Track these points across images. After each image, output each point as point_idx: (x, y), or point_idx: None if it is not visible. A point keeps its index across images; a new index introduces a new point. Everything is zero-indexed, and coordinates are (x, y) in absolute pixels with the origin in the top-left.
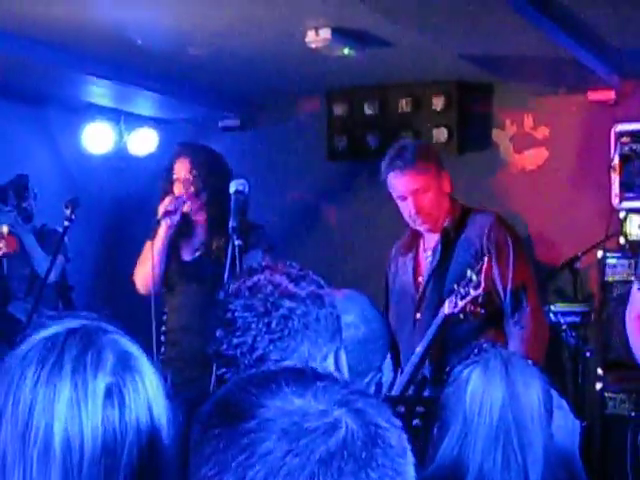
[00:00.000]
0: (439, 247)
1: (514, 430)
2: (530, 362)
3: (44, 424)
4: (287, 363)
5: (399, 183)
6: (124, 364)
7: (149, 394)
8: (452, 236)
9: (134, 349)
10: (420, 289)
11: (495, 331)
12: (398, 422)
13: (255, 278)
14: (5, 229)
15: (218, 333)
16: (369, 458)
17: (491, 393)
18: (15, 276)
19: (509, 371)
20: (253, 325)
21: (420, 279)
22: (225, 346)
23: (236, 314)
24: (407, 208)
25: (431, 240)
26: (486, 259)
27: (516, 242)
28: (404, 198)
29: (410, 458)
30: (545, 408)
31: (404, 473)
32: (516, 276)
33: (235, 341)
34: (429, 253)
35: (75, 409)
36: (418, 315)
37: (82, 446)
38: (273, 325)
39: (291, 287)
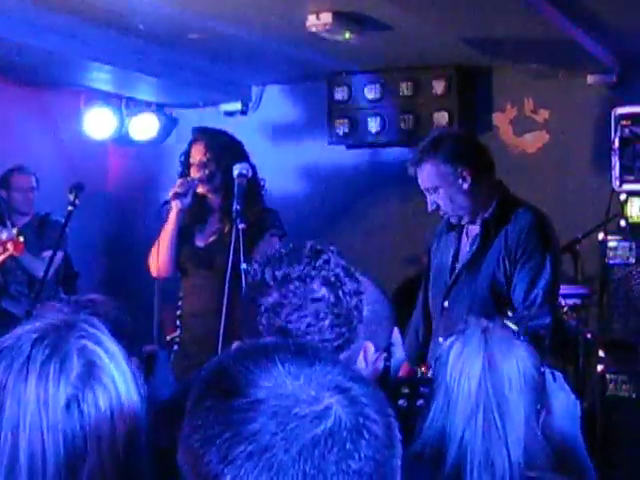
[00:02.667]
0: (478, 239)
1: (493, 399)
2: (513, 334)
3: (10, 431)
4: (344, 354)
5: (419, 179)
6: (88, 374)
7: (113, 403)
8: (492, 230)
9: (103, 355)
10: (453, 276)
11: None
12: (390, 411)
13: (317, 262)
14: (15, 231)
15: (284, 314)
16: (352, 449)
17: (470, 363)
18: (12, 280)
19: (487, 341)
20: (323, 315)
21: (457, 266)
22: (291, 326)
23: (304, 301)
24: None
25: (473, 230)
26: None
27: (549, 246)
28: (425, 193)
29: (397, 449)
30: (527, 379)
31: (387, 464)
32: (542, 284)
33: (303, 328)
34: (469, 241)
35: (37, 418)
36: (446, 303)
37: (44, 455)
38: (341, 318)
39: (350, 279)
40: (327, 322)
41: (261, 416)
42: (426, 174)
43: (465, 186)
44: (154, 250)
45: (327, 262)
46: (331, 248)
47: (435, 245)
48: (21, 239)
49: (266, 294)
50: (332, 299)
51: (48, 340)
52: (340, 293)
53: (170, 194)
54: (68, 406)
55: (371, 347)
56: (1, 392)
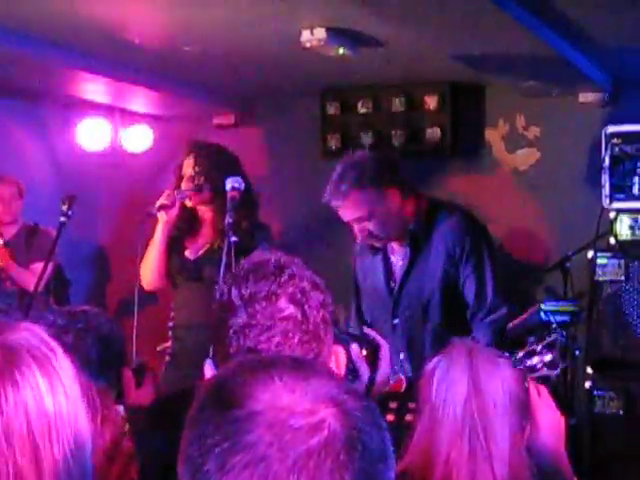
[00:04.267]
0: (408, 252)
1: (478, 420)
2: (497, 354)
3: None
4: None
5: (341, 214)
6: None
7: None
8: (421, 239)
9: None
10: (394, 295)
11: (463, 325)
12: (384, 425)
13: (281, 279)
14: (0, 241)
15: (253, 335)
16: (346, 460)
17: (455, 384)
18: (2, 291)
19: (472, 362)
20: (291, 334)
21: (392, 284)
22: (261, 347)
23: (271, 321)
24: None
25: (399, 245)
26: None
27: (488, 243)
28: (349, 223)
29: (391, 462)
30: (512, 398)
31: (380, 477)
32: (485, 275)
33: (273, 348)
34: (398, 257)
35: None
36: (396, 321)
37: None
38: (309, 333)
39: (313, 292)
40: (296, 339)
41: (258, 427)
42: (354, 204)
43: (395, 206)
44: (143, 264)
45: (292, 277)
46: (295, 260)
47: (360, 265)
48: (6, 249)
49: (234, 315)
50: (299, 316)
51: None
52: (307, 308)
53: (156, 206)
54: None
55: (342, 351)
56: None
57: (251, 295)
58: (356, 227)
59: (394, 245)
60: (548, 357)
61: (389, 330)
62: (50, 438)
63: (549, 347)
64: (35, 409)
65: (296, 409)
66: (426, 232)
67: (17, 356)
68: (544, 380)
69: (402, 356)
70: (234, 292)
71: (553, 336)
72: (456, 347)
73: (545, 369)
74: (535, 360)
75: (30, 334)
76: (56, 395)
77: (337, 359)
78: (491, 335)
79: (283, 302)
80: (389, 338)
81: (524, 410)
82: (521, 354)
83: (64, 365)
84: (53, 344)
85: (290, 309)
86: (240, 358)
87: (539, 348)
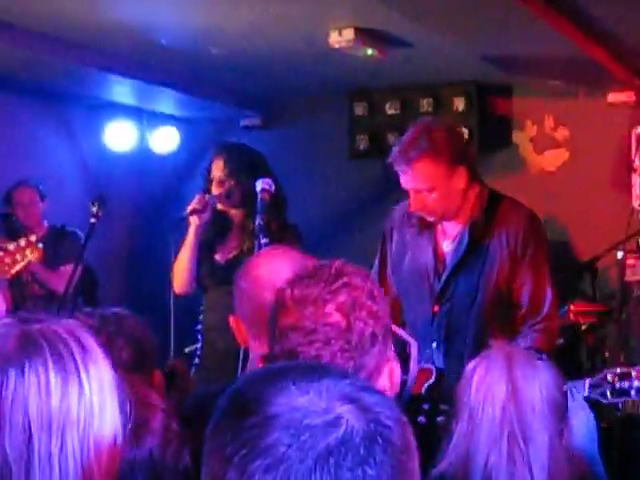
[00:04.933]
0: (466, 238)
1: (517, 424)
2: (536, 357)
3: None
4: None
5: (402, 179)
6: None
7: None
8: (480, 228)
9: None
10: (442, 280)
11: (507, 326)
12: (404, 419)
13: (334, 286)
14: (33, 238)
15: (293, 338)
16: (367, 455)
17: (494, 388)
18: (28, 295)
19: (511, 366)
20: (333, 341)
21: (442, 269)
22: (301, 354)
23: (316, 325)
24: (412, 202)
25: (452, 228)
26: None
27: (547, 246)
28: (409, 193)
29: (414, 455)
30: (550, 403)
31: (405, 470)
32: (545, 282)
33: (313, 353)
34: (450, 241)
35: None
36: (436, 308)
37: None
38: (353, 342)
39: (369, 301)
40: (337, 347)
41: (274, 430)
42: (419, 173)
43: (461, 185)
44: (175, 268)
45: (346, 285)
46: (358, 270)
47: (397, 236)
48: (40, 245)
49: (283, 315)
50: (343, 325)
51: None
52: (352, 319)
53: (188, 210)
54: None
55: (397, 368)
56: None
57: (302, 297)
58: (413, 196)
59: (447, 227)
60: None
61: (426, 317)
62: (49, 432)
63: None
64: (36, 402)
65: (311, 408)
66: (486, 222)
67: (33, 347)
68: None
69: (434, 345)
70: (287, 292)
71: None
72: (495, 350)
73: (637, 395)
74: (630, 383)
75: (64, 330)
76: (67, 394)
77: (391, 375)
78: (537, 345)
79: (330, 308)
80: (425, 326)
81: (562, 415)
82: (611, 375)
83: (93, 366)
84: (89, 344)
85: (335, 316)
86: (259, 368)
87: (634, 373)
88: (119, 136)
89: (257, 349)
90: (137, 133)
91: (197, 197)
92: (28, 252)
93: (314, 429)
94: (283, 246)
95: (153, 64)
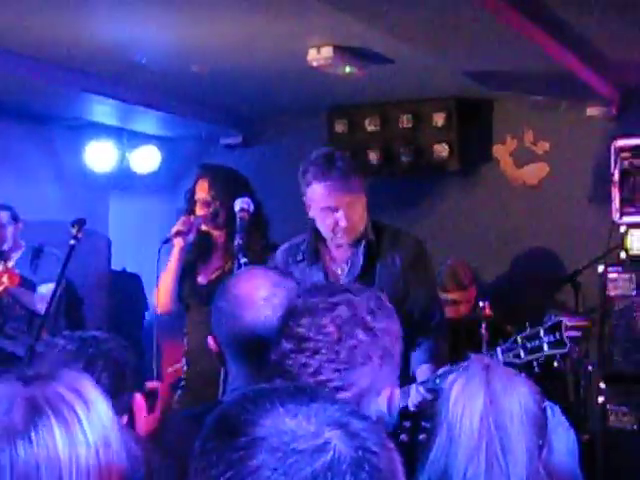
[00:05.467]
0: (360, 260)
1: (495, 436)
2: (515, 373)
3: None
4: (344, 394)
5: (331, 194)
6: (25, 426)
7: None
8: (374, 249)
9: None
10: None
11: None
12: (391, 445)
13: (335, 299)
14: (10, 263)
15: (285, 345)
16: None
17: (472, 400)
18: (9, 317)
19: (489, 378)
20: (323, 350)
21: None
22: (290, 362)
23: (309, 333)
24: (333, 220)
25: (342, 252)
26: (564, 321)
27: (431, 263)
28: (334, 210)
29: None
30: (528, 416)
31: None
32: (434, 299)
33: (302, 360)
34: (342, 266)
35: None
36: None
37: None
38: (342, 355)
39: (368, 318)
40: (324, 358)
41: (261, 453)
42: (355, 187)
43: (364, 206)
44: (158, 287)
45: (347, 301)
46: (367, 289)
47: None
48: (16, 270)
49: (291, 321)
50: (335, 337)
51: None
52: (345, 333)
53: (172, 232)
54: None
55: (397, 392)
56: None
57: (304, 307)
58: (342, 213)
59: (335, 255)
60: (553, 337)
61: None
62: None
63: (553, 329)
64: (46, 464)
65: (299, 432)
66: (379, 246)
67: (39, 415)
68: (551, 358)
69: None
70: (294, 300)
71: (555, 319)
72: (473, 363)
73: (551, 349)
74: (540, 341)
75: (66, 387)
76: (75, 448)
77: (390, 400)
78: (431, 354)
79: (326, 320)
80: None
81: (541, 429)
82: (521, 337)
83: (96, 416)
84: (90, 395)
85: (330, 328)
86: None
87: (542, 331)
88: (100, 156)
89: (235, 370)
90: (118, 152)
91: (182, 219)
92: (5, 278)
93: (301, 454)
94: (261, 266)
95: (133, 83)
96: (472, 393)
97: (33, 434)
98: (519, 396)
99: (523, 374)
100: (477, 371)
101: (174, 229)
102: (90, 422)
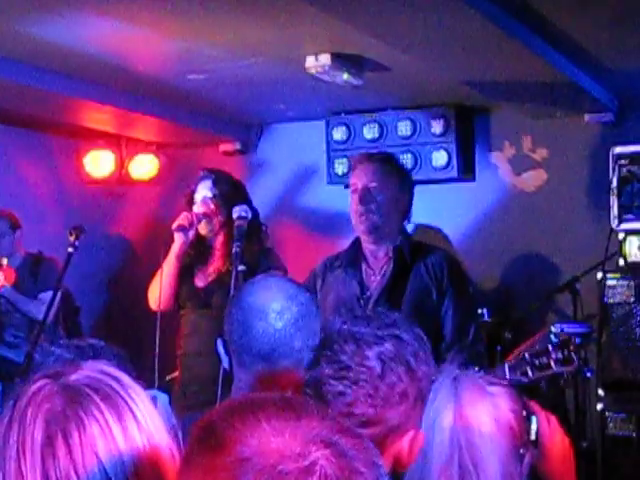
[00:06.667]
0: (391, 266)
1: (465, 449)
2: (492, 381)
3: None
4: (372, 430)
5: (361, 171)
6: (66, 416)
7: (101, 445)
8: (405, 258)
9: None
10: (369, 305)
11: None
12: (380, 464)
13: (383, 332)
14: (5, 261)
15: (325, 369)
16: None
17: (441, 414)
18: (9, 325)
19: (457, 390)
20: (362, 383)
21: (368, 294)
22: (327, 387)
23: (352, 363)
24: (355, 204)
25: (378, 261)
26: (572, 339)
27: (468, 280)
28: (355, 190)
29: None
30: (502, 427)
31: None
32: (470, 312)
33: (340, 388)
34: (377, 272)
35: (17, 463)
36: None
37: None
38: (381, 392)
39: (412, 360)
40: (363, 391)
41: (246, 474)
42: (382, 172)
43: (401, 208)
44: (152, 284)
45: (395, 337)
46: (414, 328)
47: (320, 283)
48: (12, 269)
49: (330, 346)
50: (377, 371)
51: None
52: (388, 369)
53: (174, 226)
54: (43, 448)
55: (421, 436)
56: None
57: (349, 333)
58: (362, 208)
59: (372, 263)
60: (561, 354)
61: None
62: (124, 469)
63: (561, 346)
64: (104, 446)
65: (285, 453)
66: (412, 256)
67: (79, 394)
68: (558, 377)
69: None
70: (337, 325)
71: (558, 329)
72: (442, 376)
73: (559, 366)
74: (548, 358)
75: (90, 370)
76: (127, 429)
77: (413, 442)
78: (469, 361)
79: (371, 353)
80: None
81: (520, 437)
82: (529, 354)
83: (134, 393)
84: (117, 374)
85: (373, 362)
86: (235, 398)
87: (551, 347)
88: (98, 163)
89: (242, 376)
90: (116, 160)
91: (183, 214)
92: (1, 276)
93: (288, 476)
94: (278, 276)
95: (131, 91)
96: (441, 407)
97: (84, 416)
98: (489, 408)
99: (501, 384)
100: (446, 384)
101: (175, 223)
102: (133, 400)
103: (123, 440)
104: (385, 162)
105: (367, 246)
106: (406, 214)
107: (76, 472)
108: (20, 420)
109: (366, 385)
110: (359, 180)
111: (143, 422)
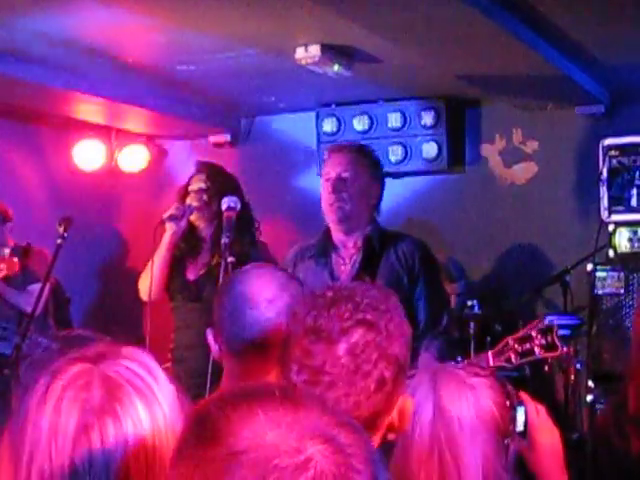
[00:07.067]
0: (360, 255)
1: (445, 443)
2: (475, 372)
3: (29, 455)
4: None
5: (334, 160)
6: (105, 406)
7: (132, 436)
8: (377, 248)
9: (129, 388)
10: None
11: None
12: (378, 459)
13: (350, 324)
14: (7, 251)
15: (299, 376)
16: None
17: (420, 408)
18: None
19: (436, 385)
20: (340, 384)
21: (338, 283)
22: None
23: (325, 367)
24: (327, 192)
25: (347, 251)
26: (555, 326)
27: (438, 266)
28: (328, 179)
29: None
30: (484, 419)
31: None
32: (441, 298)
33: (317, 393)
34: (347, 262)
35: (47, 445)
36: None
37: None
38: (358, 388)
39: (383, 344)
40: (342, 392)
41: (240, 468)
42: (355, 162)
43: (372, 200)
44: (144, 273)
45: (362, 323)
46: (380, 292)
47: (296, 270)
48: (15, 259)
49: (296, 345)
50: (351, 368)
51: (72, 369)
52: (361, 361)
53: (165, 216)
54: (77, 436)
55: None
56: (23, 416)
57: (315, 329)
58: (334, 197)
59: (342, 253)
60: (545, 340)
61: None
62: (148, 463)
63: (545, 331)
64: (134, 441)
65: (281, 447)
66: (381, 243)
67: (118, 388)
68: (542, 362)
69: None
70: (303, 319)
71: (547, 321)
72: (420, 370)
73: (544, 352)
74: (532, 344)
75: (130, 362)
76: (156, 423)
77: (402, 413)
78: (443, 348)
79: (341, 349)
80: None
81: (503, 428)
82: (512, 339)
83: (165, 391)
84: (153, 367)
85: (345, 359)
86: (231, 388)
87: (534, 333)
88: (88, 155)
89: (233, 366)
90: (106, 151)
91: (175, 204)
92: (3, 266)
93: (283, 471)
94: (269, 265)
95: (121, 82)
96: (420, 401)
97: (119, 408)
98: (469, 401)
99: (484, 376)
100: (425, 379)
101: (167, 213)
102: (162, 394)
103: (151, 434)
104: (358, 152)
105: (337, 236)
106: (376, 205)
107: (105, 463)
108: (56, 404)
109: (343, 385)
110: (332, 169)
111: (169, 417)
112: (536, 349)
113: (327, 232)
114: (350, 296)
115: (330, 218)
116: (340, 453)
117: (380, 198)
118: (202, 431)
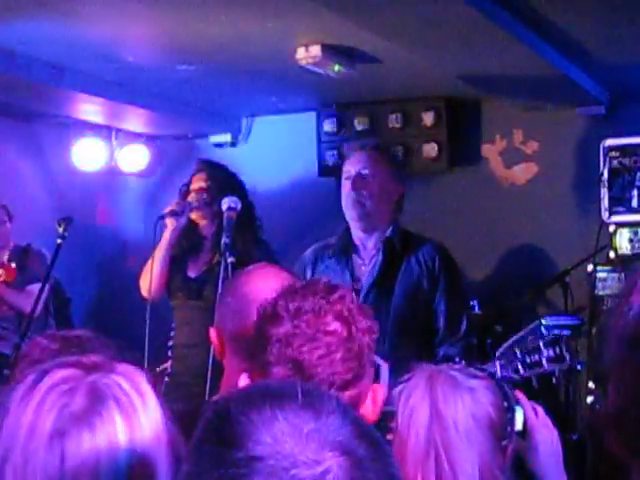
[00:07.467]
0: (380, 257)
1: (441, 445)
2: (473, 374)
3: (4, 450)
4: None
5: (354, 158)
6: (87, 413)
7: (109, 447)
8: (395, 248)
9: (121, 395)
10: (360, 296)
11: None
12: (396, 473)
13: (332, 298)
14: (5, 257)
15: (297, 344)
16: None
17: (416, 411)
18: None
19: (432, 387)
20: (334, 349)
21: (360, 284)
22: (304, 356)
23: (318, 334)
24: (347, 186)
25: (367, 252)
26: (564, 337)
27: (459, 273)
28: (348, 177)
29: None
30: (480, 421)
31: None
32: (461, 304)
33: (314, 361)
34: (367, 262)
35: (24, 443)
36: None
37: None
38: (353, 352)
39: (362, 317)
40: (338, 355)
41: (257, 475)
42: (375, 160)
43: (392, 197)
44: (145, 270)
45: (342, 298)
46: (345, 286)
47: (310, 273)
48: (12, 265)
49: (278, 325)
50: (345, 334)
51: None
52: (353, 329)
53: (166, 210)
54: (51, 439)
55: (382, 390)
56: (5, 411)
57: (298, 308)
58: (354, 194)
59: (363, 254)
60: (552, 352)
61: None
62: (116, 474)
63: (553, 343)
64: (106, 457)
65: (299, 457)
66: (402, 247)
67: (102, 402)
68: (550, 375)
69: None
70: (280, 304)
71: (547, 321)
72: (417, 373)
73: (551, 364)
74: (539, 356)
75: (122, 378)
76: (133, 444)
77: (375, 396)
78: (462, 354)
79: (330, 318)
80: None
81: (501, 430)
82: (519, 348)
83: (150, 415)
84: (144, 389)
85: (336, 325)
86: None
87: (542, 344)
88: (88, 154)
89: (235, 365)
90: (106, 151)
91: (176, 200)
92: (1, 272)
93: None
94: (275, 266)
95: (121, 82)
96: (416, 404)
97: (97, 420)
98: (466, 403)
99: (482, 377)
100: (421, 381)
101: (167, 209)
102: (145, 414)
103: (126, 456)
104: (378, 151)
105: (357, 235)
106: (398, 205)
107: (75, 474)
108: (38, 403)
109: (339, 349)
110: (352, 167)
111: (148, 443)
112: (544, 361)
113: (347, 232)
114: (315, 281)
115: (350, 215)
116: (358, 467)
117: (401, 198)
118: (222, 430)
